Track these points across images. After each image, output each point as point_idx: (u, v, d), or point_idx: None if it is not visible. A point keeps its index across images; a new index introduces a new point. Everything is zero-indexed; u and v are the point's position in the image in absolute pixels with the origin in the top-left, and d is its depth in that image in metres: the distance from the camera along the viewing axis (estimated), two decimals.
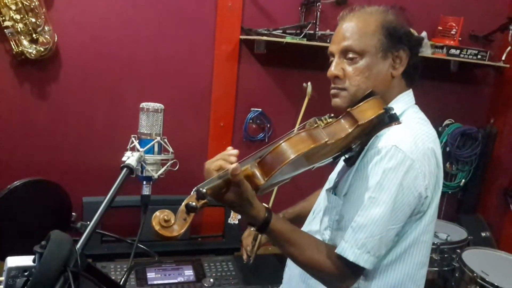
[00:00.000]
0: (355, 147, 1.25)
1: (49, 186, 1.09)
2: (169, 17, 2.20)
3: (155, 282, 1.83)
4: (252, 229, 1.17)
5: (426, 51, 2.50)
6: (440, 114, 2.79)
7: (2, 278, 0.92)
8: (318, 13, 2.27)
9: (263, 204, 1.14)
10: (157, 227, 0.97)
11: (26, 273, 0.91)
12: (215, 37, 2.29)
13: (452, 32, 2.59)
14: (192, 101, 2.32)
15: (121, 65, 2.17)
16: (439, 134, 2.73)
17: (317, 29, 2.26)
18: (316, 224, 1.38)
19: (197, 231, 2.35)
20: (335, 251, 1.15)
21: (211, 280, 1.89)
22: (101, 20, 2.10)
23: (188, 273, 1.91)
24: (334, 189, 1.33)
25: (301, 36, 2.24)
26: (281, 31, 2.27)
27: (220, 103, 2.37)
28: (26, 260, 0.92)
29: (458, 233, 2.55)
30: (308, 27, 2.26)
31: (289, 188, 2.09)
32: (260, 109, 2.43)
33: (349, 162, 1.28)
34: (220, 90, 2.36)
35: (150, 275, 1.85)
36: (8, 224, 1.00)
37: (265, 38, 2.20)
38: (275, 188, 1.97)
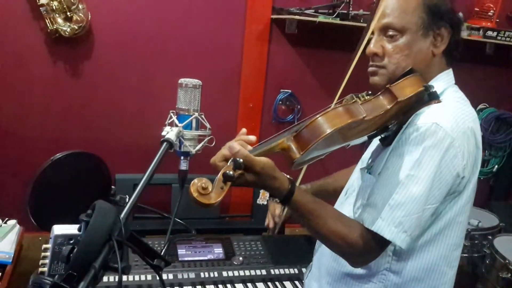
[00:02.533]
0: (392, 126, 1.23)
1: (90, 158, 1.10)
2: None
3: (186, 259, 1.85)
4: (276, 200, 1.16)
5: (462, 33, 2.42)
6: (474, 98, 2.67)
7: (49, 246, 0.94)
8: None
9: (286, 175, 1.13)
10: (195, 194, 0.98)
11: (71, 241, 0.93)
12: (245, 17, 2.27)
13: (489, 14, 2.52)
14: (221, 81, 2.32)
15: (152, 44, 2.17)
16: None
17: (351, 9, 2.22)
18: (349, 204, 1.36)
19: (225, 210, 2.36)
20: (372, 228, 1.14)
21: (240, 258, 1.91)
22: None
23: (218, 251, 1.92)
24: (368, 169, 1.31)
25: (334, 16, 2.20)
26: (313, 10, 2.24)
27: (249, 83, 2.36)
28: (71, 229, 0.94)
29: (489, 219, 2.50)
30: (341, 6, 2.22)
31: (317, 168, 2.08)
32: (290, 91, 2.41)
33: (385, 142, 1.27)
34: (250, 71, 2.34)
35: (181, 251, 1.87)
36: (52, 194, 1.02)
37: (297, 17, 2.17)
38: (304, 166, 1.96)
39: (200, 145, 1.20)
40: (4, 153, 2.07)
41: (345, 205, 1.38)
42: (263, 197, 2.24)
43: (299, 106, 2.44)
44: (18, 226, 1.79)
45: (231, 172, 1.00)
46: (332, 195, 1.56)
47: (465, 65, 2.58)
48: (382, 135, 1.26)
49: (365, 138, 1.29)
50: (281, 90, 2.41)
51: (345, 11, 2.21)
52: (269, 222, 1.74)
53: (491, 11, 2.51)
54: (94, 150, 2.08)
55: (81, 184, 1.09)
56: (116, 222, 0.88)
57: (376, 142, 1.38)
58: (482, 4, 2.54)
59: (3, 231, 1.69)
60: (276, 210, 1.67)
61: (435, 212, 1.18)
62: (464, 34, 2.44)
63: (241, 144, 1.11)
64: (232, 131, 2.37)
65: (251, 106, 2.38)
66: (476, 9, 2.55)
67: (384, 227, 1.12)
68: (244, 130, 1.18)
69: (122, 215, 0.92)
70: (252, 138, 1.15)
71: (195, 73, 2.26)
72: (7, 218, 1.78)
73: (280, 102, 2.42)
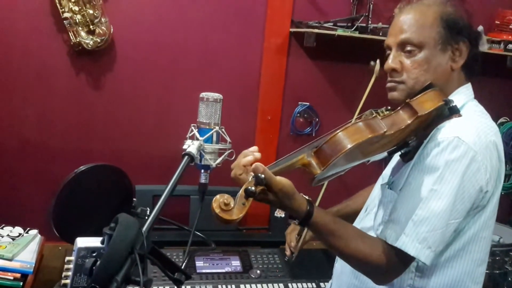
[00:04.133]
0: (412, 142, 1.23)
1: (113, 171, 1.12)
2: (220, 9, 2.22)
3: (203, 271, 1.85)
4: (294, 222, 1.17)
5: (482, 46, 2.40)
6: (495, 111, 2.67)
7: (72, 258, 0.95)
8: (371, 6, 2.23)
9: (304, 196, 1.14)
10: (217, 210, 0.99)
11: (94, 254, 0.94)
12: (264, 30, 2.29)
13: (510, 27, 2.49)
14: (240, 94, 2.33)
15: (173, 57, 2.20)
16: None
17: (369, 22, 2.22)
18: (369, 221, 1.36)
19: (242, 223, 2.36)
20: (396, 244, 1.13)
21: (258, 271, 1.90)
22: (154, 12, 2.14)
23: (235, 264, 1.92)
24: (389, 185, 1.31)
25: (352, 29, 2.20)
26: (332, 23, 2.25)
27: (268, 96, 2.37)
28: (94, 241, 0.95)
29: (511, 235, 2.45)
30: (360, 20, 2.23)
31: (337, 185, 2.06)
32: (308, 103, 2.41)
33: (406, 158, 1.26)
34: (268, 83, 2.36)
35: (199, 263, 1.88)
36: (75, 206, 1.04)
37: (315, 30, 2.18)
38: (325, 184, 1.95)
39: (221, 158, 1.21)
40: (26, 163, 2.11)
41: (365, 221, 1.37)
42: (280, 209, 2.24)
43: (317, 119, 2.44)
44: (39, 236, 1.81)
45: (253, 188, 1.00)
46: (353, 217, 1.55)
47: (486, 78, 2.58)
48: (402, 151, 1.26)
49: (385, 154, 1.28)
50: (299, 102, 2.41)
51: (364, 25, 2.21)
52: (286, 251, 1.72)
53: None
54: (114, 161, 2.10)
55: (103, 196, 1.11)
56: (139, 236, 0.89)
57: (396, 158, 1.38)
58: (503, 17, 2.52)
59: (25, 240, 1.72)
60: (292, 242, 1.66)
61: (458, 227, 1.17)
62: (485, 47, 2.42)
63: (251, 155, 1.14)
64: (250, 144, 2.34)
65: (269, 119, 2.39)
66: (496, 22, 2.53)
67: (408, 243, 1.11)
68: (255, 147, 1.21)
69: (144, 229, 0.93)
70: (258, 155, 1.17)
71: (214, 86, 2.31)
72: (28, 228, 1.81)
73: (298, 115, 2.43)
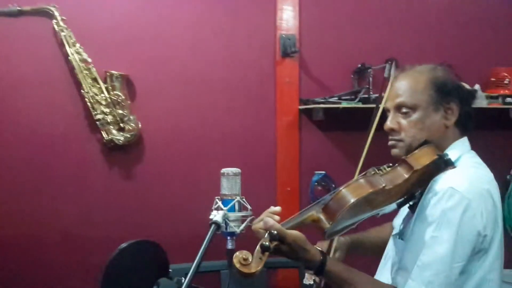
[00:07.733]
0: (418, 194, 1.34)
1: (149, 245, 1.26)
2: (234, 95, 2.47)
3: None
4: (309, 272, 1.27)
5: (481, 102, 2.54)
6: (506, 163, 2.76)
7: None
8: (371, 79, 2.44)
9: (317, 247, 1.25)
10: (238, 265, 1.11)
11: None
12: (275, 110, 2.50)
13: (505, 82, 2.65)
14: (258, 169, 2.48)
15: (194, 141, 2.42)
16: (508, 183, 2.69)
17: (371, 93, 2.41)
18: (387, 269, 1.46)
19: None
20: None
21: None
22: (175, 105, 2.40)
23: None
24: (400, 235, 1.41)
25: (356, 101, 2.39)
26: (336, 98, 2.44)
27: (285, 169, 2.52)
28: None
29: None
30: (362, 92, 2.42)
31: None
32: (324, 172, 2.54)
33: (413, 209, 1.36)
34: (284, 157, 2.52)
35: None
36: (120, 281, 1.17)
37: (322, 106, 2.38)
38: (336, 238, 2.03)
39: (244, 225, 1.35)
40: (67, 254, 2.28)
41: (384, 269, 1.47)
42: (309, 277, 2.28)
43: (334, 185, 2.55)
44: None
45: (267, 243, 1.13)
46: (369, 250, 1.67)
47: (492, 132, 2.68)
48: (411, 203, 1.36)
49: (394, 206, 1.40)
50: (315, 172, 2.54)
51: (366, 96, 2.40)
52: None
53: (507, 79, 2.64)
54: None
55: (143, 270, 1.24)
56: None
57: (406, 209, 1.48)
58: (497, 74, 2.68)
59: None
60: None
61: (465, 270, 1.24)
62: (484, 103, 2.56)
63: (270, 216, 1.25)
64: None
65: (288, 190, 2.52)
66: (492, 79, 2.69)
67: (415, 287, 1.20)
68: (273, 208, 1.34)
69: None
70: (277, 208, 1.30)
71: (234, 163, 2.49)
72: None
73: (316, 184, 2.54)
